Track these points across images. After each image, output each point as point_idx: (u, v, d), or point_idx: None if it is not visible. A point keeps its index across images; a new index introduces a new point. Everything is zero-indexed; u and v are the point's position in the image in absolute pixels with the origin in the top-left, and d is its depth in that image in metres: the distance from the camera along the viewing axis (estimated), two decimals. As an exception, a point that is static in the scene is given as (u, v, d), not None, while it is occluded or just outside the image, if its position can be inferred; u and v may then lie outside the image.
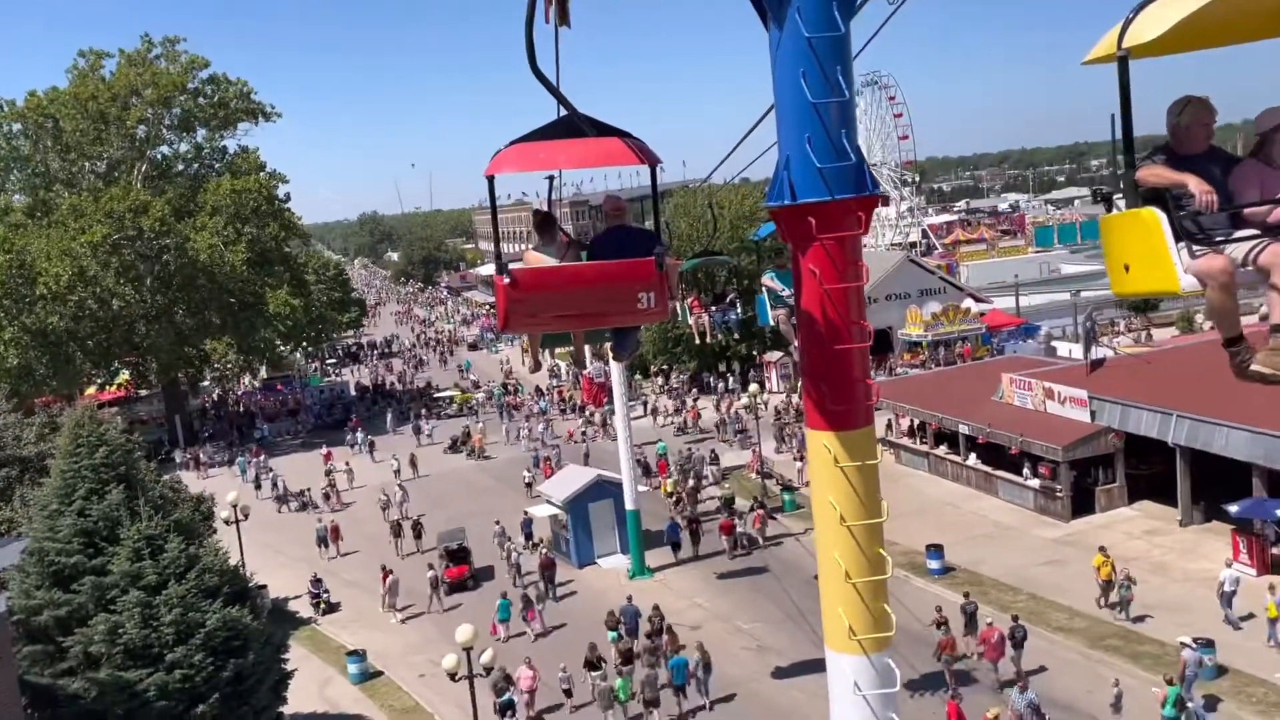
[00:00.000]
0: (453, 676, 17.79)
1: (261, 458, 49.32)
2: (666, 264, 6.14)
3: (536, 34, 5.53)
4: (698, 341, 18.61)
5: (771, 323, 11.20)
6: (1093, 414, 30.47)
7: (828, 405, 6.59)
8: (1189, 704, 18.81)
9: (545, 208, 8.03)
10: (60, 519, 19.03)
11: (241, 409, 65.68)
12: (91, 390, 61.27)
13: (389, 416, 56.24)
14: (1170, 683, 18.83)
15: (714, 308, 18.44)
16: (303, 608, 30.75)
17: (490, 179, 6.24)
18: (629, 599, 25.89)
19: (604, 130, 6.10)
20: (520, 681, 21.76)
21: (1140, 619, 23.39)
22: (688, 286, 50.96)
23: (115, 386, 61.92)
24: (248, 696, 19.20)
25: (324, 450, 48.77)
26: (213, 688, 18.51)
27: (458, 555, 30.95)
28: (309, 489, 42.79)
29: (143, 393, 62.35)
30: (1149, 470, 30.75)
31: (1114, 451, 30.36)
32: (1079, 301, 54.74)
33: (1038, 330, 56.22)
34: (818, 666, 22.66)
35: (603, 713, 21.49)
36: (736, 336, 32.37)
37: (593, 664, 22.26)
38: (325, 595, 30.59)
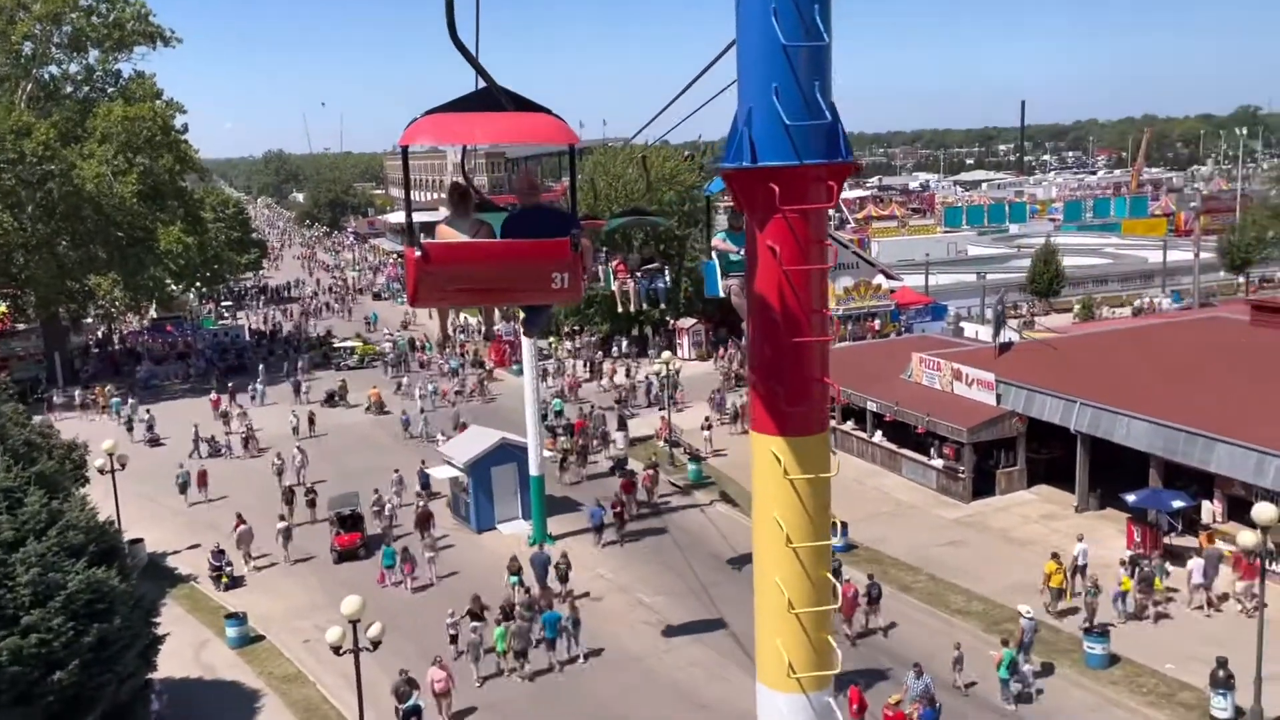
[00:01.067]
0: (337, 650, 16.77)
1: (131, 402, 46.84)
2: (581, 245, 6.09)
3: (457, 3, 5.14)
4: (620, 309, 17.55)
5: (721, 293, 9.18)
6: (999, 397, 30.71)
7: (779, 406, 5.84)
8: (1023, 668, 19.93)
9: (460, 179, 8.23)
10: (-96, 466, 17.26)
11: (127, 348, 62.46)
12: (-37, 322, 57.65)
13: (285, 366, 54.02)
14: (1005, 644, 19.84)
15: (639, 273, 17.48)
16: (186, 566, 29.12)
17: (404, 149, 6.17)
18: (540, 546, 27.18)
19: (523, 105, 5.95)
20: (432, 685, 19.99)
21: (1066, 614, 23.06)
22: (612, 249, 50.21)
23: (-11, 319, 58.19)
24: (112, 663, 17.85)
25: (212, 396, 46.70)
26: (73, 653, 17.10)
27: (349, 522, 29.04)
28: (224, 434, 41.40)
29: (20, 327, 58.64)
30: (1049, 455, 31.19)
31: (1016, 435, 30.69)
32: (986, 284, 55.55)
33: (945, 310, 56.97)
34: (719, 645, 22.84)
35: (471, 664, 21.69)
36: (662, 307, 30.92)
37: (476, 614, 22.55)
38: (228, 569, 27.49)
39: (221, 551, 27.62)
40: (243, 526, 28.79)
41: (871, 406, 34.12)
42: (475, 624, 22.20)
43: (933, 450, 31.82)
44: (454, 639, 22.43)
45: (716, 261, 8.81)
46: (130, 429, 43.37)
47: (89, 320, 62.65)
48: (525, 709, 20.70)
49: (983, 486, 30.66)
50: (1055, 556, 23.61)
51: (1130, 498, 25.91)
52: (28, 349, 57.37)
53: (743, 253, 7.86)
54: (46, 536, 17.49)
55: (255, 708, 21.22)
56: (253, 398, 47.68)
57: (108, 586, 17.96)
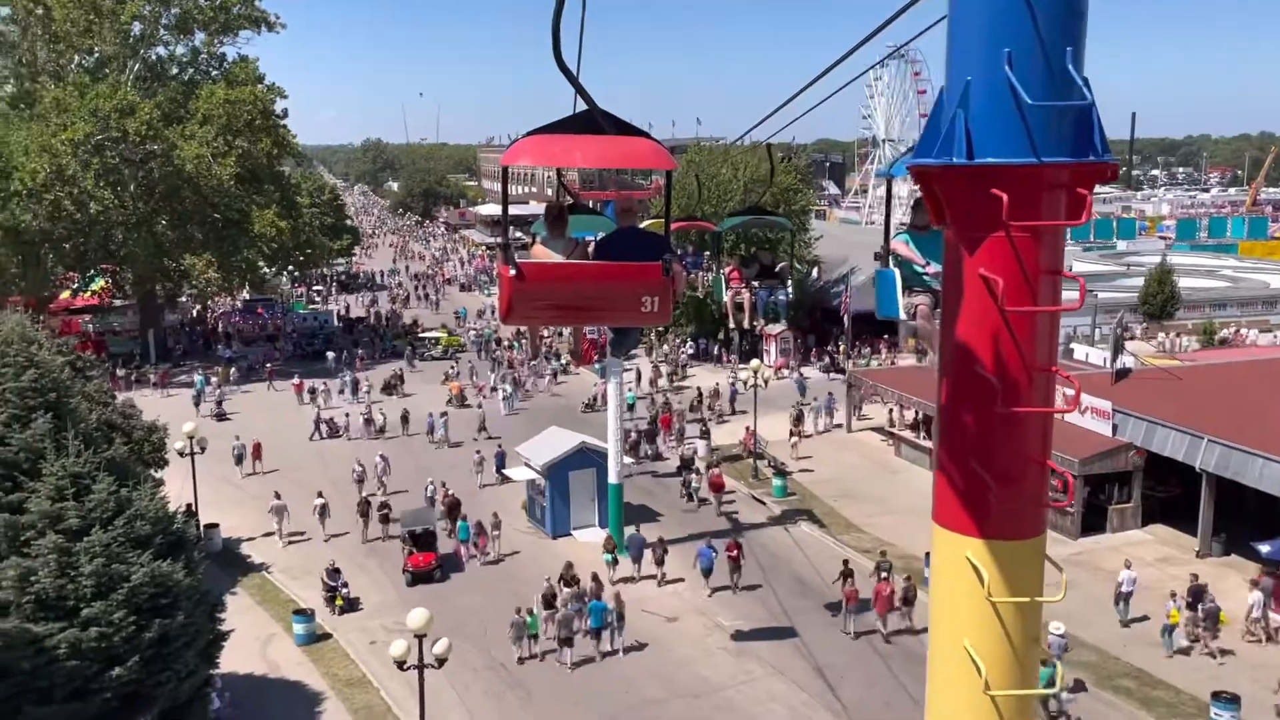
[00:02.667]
0: (401, 665, 15.85)
1: (213, 382, 47.24)
2: (673, 271, 6.20)
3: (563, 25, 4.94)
4: (732, 325, 15.99)
5: (903, 315, 6.90)
6: (1115, 428, 28.52)
7: (981, 497, 4.50)
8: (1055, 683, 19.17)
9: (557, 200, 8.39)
10: (-24, 445, 16.87)
11: (217, 328, 63.37)
12: (65, 295, 59.04)
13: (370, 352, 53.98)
14: (1044, 663, 18.92)
15: (758, 282, 15.75)
16: (259, 554, 28.70)
17: (505, 169, 6.31)
18: (637, 528, 27.59)
19: (623, 128, 5.97)
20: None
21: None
22: (724, 254, 48.72)
23: (89, 294, 59.53)
24: (172, 660, 17.25)
25: (295, 380, 46.79)
26: (133, 649, 16.54)
27: (422, 541, 26.52)
28: (346, 415, 41.21)
29: (118, 303, 59.89)
30: (1166, 493, 28.91)
31: (1133, 469, 28.46)
32: (1097, 303, 52.60)
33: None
34: (800, 677, 21.41)
35: (513, 644, 22.17)
36: (784, 325, 28.95)
37: (548, 600, 23.01)
38: (344, 591, 24.95)
39: (337, 571, 25.24)
40: (276, 502, 29.68)
41: (972, 429, 32.10)
42: (546, 611, 22.74)
43: (1038, 479, 29.74)
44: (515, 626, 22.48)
45: (896, 272, 6.72)
46: (198, 404, 44.00)
47: (183, 299, 63.66)
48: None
49: (1092, 522, 28.51)
50: (1173, 595, 22.57)
51: (1264, 547, 23.62)
52: (125, 325, 58.61)
53: (934, 268, 6.40)
54: (113, 526, 16.94)
55: (317, 712, 20.51)
56: (341, 391, 46.78)
57: (172, 580, 17.36)
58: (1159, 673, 21.12)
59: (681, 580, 26.01)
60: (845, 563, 24.72)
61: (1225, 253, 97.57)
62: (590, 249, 7.26)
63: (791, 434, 37.07)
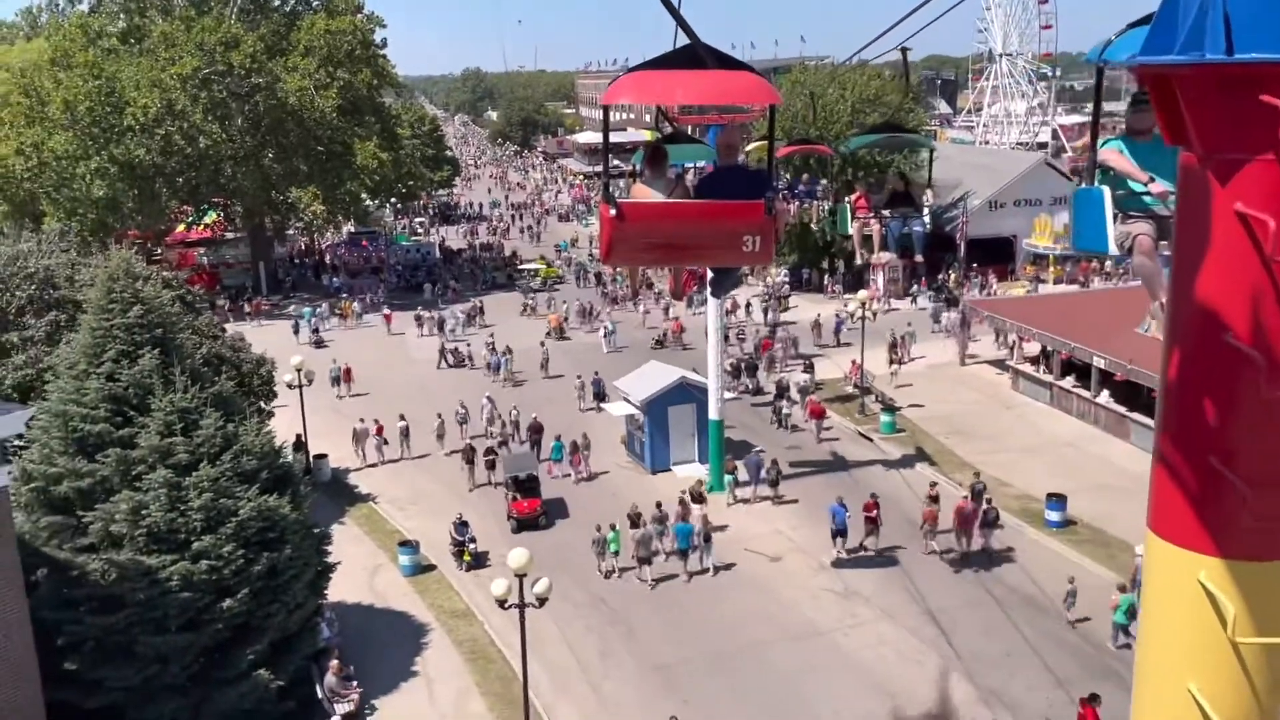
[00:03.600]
0: (502, 604, 15.64)
1: (320, 311, 48.25)
2: (776, 209, 6.10)
3: None
4: (859, 259, 14.77)
5: (1112, 248, 5.28)
6: (1257, 362, 26.47)
7: (1223, 503, 3.60)
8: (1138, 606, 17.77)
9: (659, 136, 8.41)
10: (87, 381, 17.13)
11: (324, 260, 64.45)
12: (181, 229, 60.72)
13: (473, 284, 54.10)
14: (1124, 590, 19.12)
15: (888, 211, 14.32)
16: (366, 485, 29.12)
17: (605, 108, 6.33)
18: (759, 451, 27.61)
19: (725, 62, 5.80)
20: None
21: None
22: (835, 179, 46.58)
23: (202, 227, 61.03)
24: (280, 592, 17.48)
25: (385, 312, 47.85)
26: (242, 581, 16.79)
27: (526, 487, 25.82)
28: (468, 344, 41.53)
29: (229, 236, 61.34)
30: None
31: (1276, 407, 26.43)
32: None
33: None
34: (911, 621, 20.70)
35: (597, 558, 23.05)
36: (919, 258, 26.28)
37: (634, 520, 23.31)
38: (471, 545, 23.81)
39: (465, 524, 24.16)
40: (360, 425, 30.94)
41: (1099, 363, 30.29)
42: (632, 530, 23.00)
43: (1168, 417, 27.95)
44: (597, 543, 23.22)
45: (1106, 193, 5.21)
46: (296, 331, 45.15)
47: (290, 232, 64.82)
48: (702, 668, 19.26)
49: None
50: None
51: None
52: (237, 257, 60.04)
53: (1160, 186, 5.06)
54: (220, 461, 17.10)
55: (423, 643, 20.67)
56: (442, 325, 46.39)
57: (279, 515, 17.51)
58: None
59: (795, 501, 26.19)
60: (932, 485, 24.93)
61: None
62: (690, 186, 6.99)
63: (890, 362, 35.81)
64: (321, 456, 29.73)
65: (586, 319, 46.25)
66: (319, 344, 44.03)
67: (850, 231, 14.06)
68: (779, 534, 24.70)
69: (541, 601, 15.85)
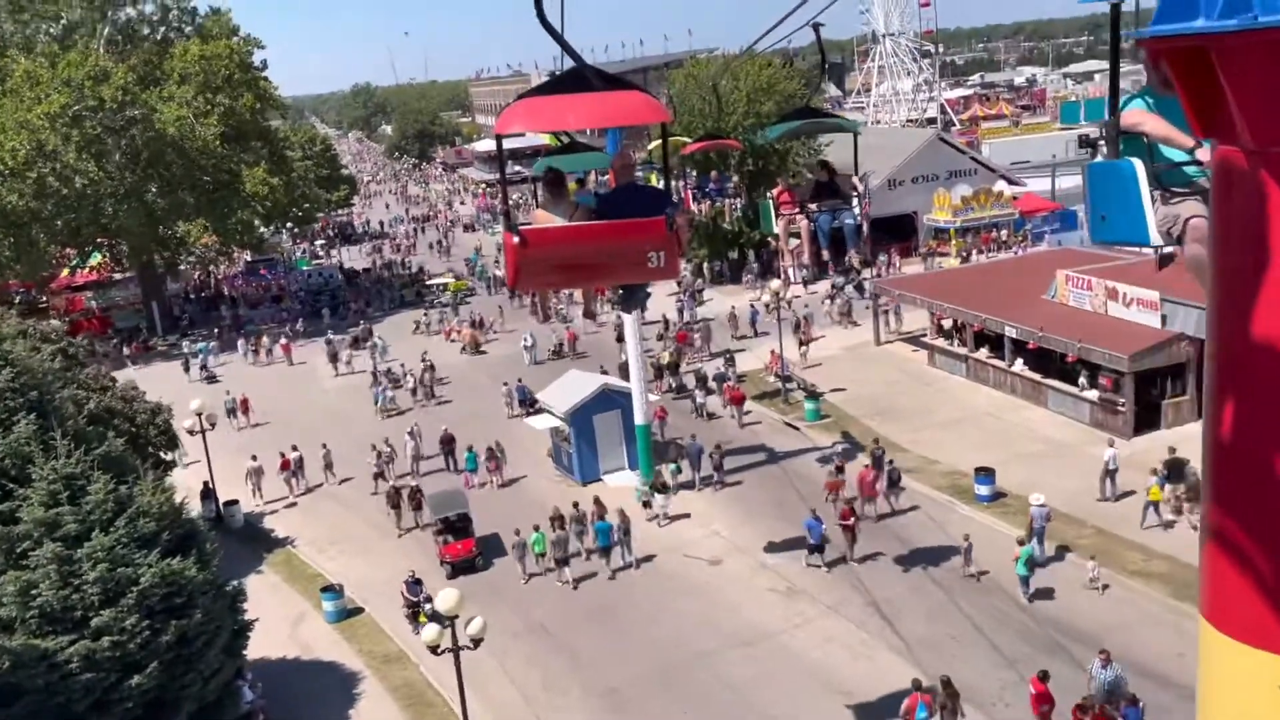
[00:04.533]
0: (434, 650, 14.80)
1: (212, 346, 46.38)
2: (677, 223, 6.16)
3: None
4: (785, 259, 13.95)
5: (1156, 238, 3.80)
6: (1164, 319, 26.96)
7: None
8: (1037, 557, 20.44)
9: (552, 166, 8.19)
10: (-43, 456, 15.73)
11: (221, 294, 62.06)
12: (65, 274, 57.77)
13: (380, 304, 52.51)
14: (1022, 543, 20.20)
15: (814, 205, 13.27)
16: (283, 528, 27.76)
17: (499, 137, 6.30)
18: (693, 437, 27.84)
19: (613, 82, 5.92)
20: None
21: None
22: (755, 171, 45.51)
23: (88, 269, 58.19)
24: (194, 661, 16.31)
25: (281, 342, 46.08)
26: (150, 654, 15.59)
27: (458, 528, 23.84)
28: (405, 366, 39.24)
29: (117, 276, 58.57)
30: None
31: (1186, 361, 26.97)
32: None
33: (1075, 217, 52.07)
34: (861, 619, 20.36)
35: (517, 562, 23.08)
36: (857, 260, 23.89)
37: (557, 523, 23.36)
38: (427, 606, 19.49)
39: (418, 582, 21.73)
40: (252, 464, 29.19)
41: (1010, 332, 30.59)
42: (558, 531, 23.02)
43: (1083, 380, 28.32)
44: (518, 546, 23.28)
45: (1139, 166, 3.79)
46: (187, 369, 43.37)
47: (183, 268, 62.27)
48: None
49: (1146, 419, 27.15)
50: (1154, 471, 22.78)
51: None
52: (127, 298, 57.39)
53: (1206, 152, 3.74)
54: (114, 528, 15.85)
55: (355, 693, 19.65)
56: (336, 357, 44.08)
57: (185, 578, 16.32)
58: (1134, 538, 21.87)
59: (736, 487, 26.39)
60: (837, 456, 26.67)
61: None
62: (589, 210, 7.00)
63: (800, 344, 35.74)
64: (232, 503, 28.32)
65: (481, 329, 45.11)
66: (210, 379, 42.21)
67: (776, 230, 13.17)
68: (716, 535, 24.25)
69: (476, 643, 15.04)
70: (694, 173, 35.01)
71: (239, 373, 43.28)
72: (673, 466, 26.65)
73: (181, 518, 17.58)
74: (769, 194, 12.97)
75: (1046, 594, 20.03)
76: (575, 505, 24.11)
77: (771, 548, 23.15)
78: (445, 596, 14.75)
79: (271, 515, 28.66)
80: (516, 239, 5.98)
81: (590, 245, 6.22)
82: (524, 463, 29.14)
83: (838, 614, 20.20)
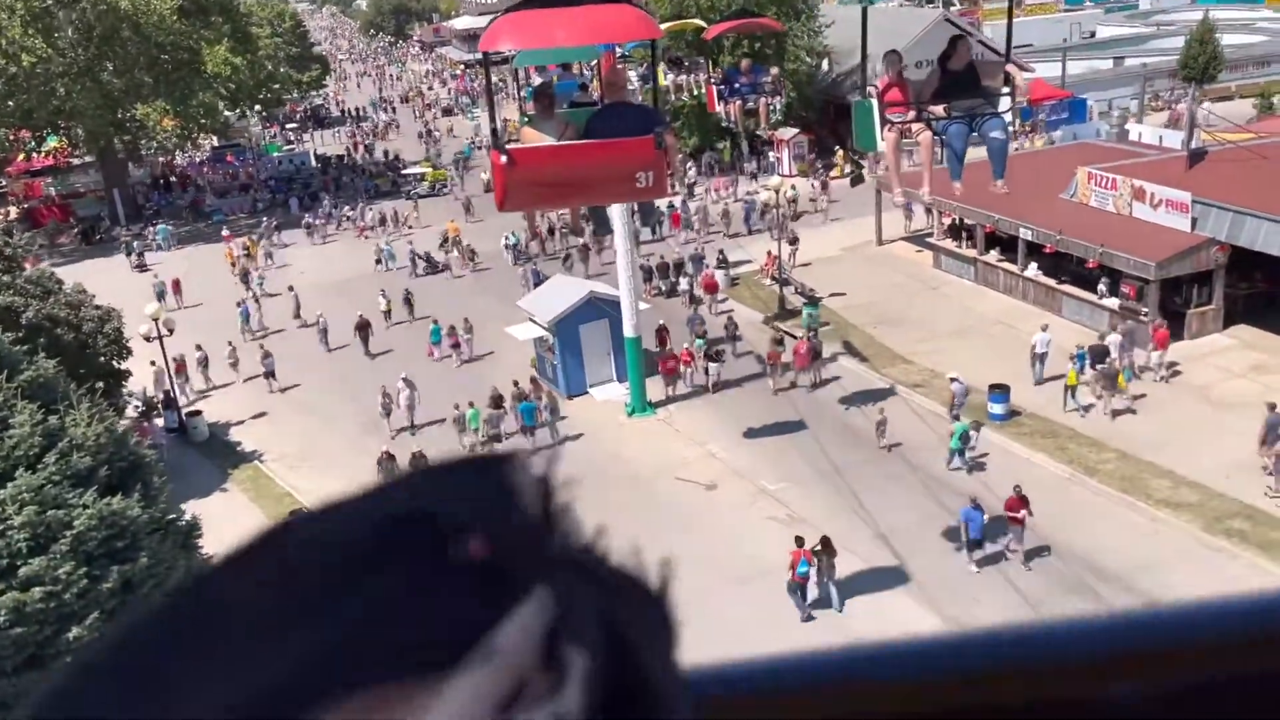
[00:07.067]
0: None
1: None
2: (666, 142, 6.53)
3: None
4: (897, 199, 12.75)
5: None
6: (1194, 221, 25.07)
7: None
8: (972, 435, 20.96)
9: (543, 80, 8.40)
10: None
11: (186, 181, 59.05)
12: (21, 159, 54.60)
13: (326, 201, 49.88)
14: (957, 419, 21.30)
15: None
16: (250, 440, 26.01)
17: (485, 54, 6.92)
18: (696, 313, 28.43)
19: None
20: None
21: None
22: (703, 64, 42.72)
23: (44, 154, 55.02)
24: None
25: (224, 233, 44.09)
26: (90, 604, 14.08)
27: None
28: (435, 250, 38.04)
29: (76, 162, 55.48)
30: (1249, 289, 25.81)
31: (1215, 268, 25.20)
32: (1143, 71, 47.72)
33: (1085, 106, 49.45)
34: (860, 544, 19.08)
35: (457, 436, 23.64)
36: (774, 109, 22.57)
37: (495, 402, 24.14)
38: None
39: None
40: (198, 354, 28.78)
41: (1025, 235, 28.63)
42: (494, 411, 23.88)
43: (1102, 287, 26.57)
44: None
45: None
46: (129, 255, 42.24)
47: (146, 154, 59.03)
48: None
49: (1169, 330, 25.51)
50: (1072, 357, 23.02)
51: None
52: (89, 185, 54.48)
53: None
54: (42, 465, 14.14)
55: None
56: (310, 233, 43.55)
57: (127, 518, 14.72)
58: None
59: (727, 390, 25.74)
60: (776, 331, 27.24)
61: (1256, 3, 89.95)
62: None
63: (789, 244, 33.60)
64: (195, 414, 26.61)
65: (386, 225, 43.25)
66: (142, 268, 40.72)
67: (882, 147, 8.84)
68: (712, 457, 22.72)
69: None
70: (721, 69, 29.47)
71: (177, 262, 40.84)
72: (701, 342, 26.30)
73: (125, 450, 15.87)
74: (870, 88, 8.81)
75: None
76: (515, 384, 24.74)
77: (771, 472, 21.69)
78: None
79: (238, 426, 26.95)
80: (505, 159, 6.05)
81: (578, 165, 6.20)
82: (510, 371, 27.04)
83: (843, 547, 18.72)
